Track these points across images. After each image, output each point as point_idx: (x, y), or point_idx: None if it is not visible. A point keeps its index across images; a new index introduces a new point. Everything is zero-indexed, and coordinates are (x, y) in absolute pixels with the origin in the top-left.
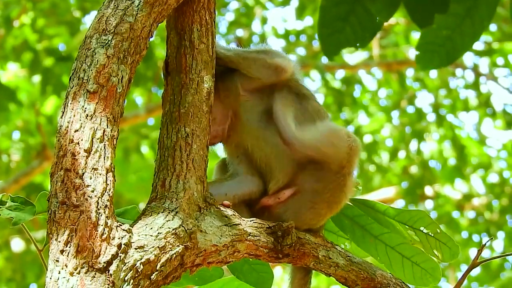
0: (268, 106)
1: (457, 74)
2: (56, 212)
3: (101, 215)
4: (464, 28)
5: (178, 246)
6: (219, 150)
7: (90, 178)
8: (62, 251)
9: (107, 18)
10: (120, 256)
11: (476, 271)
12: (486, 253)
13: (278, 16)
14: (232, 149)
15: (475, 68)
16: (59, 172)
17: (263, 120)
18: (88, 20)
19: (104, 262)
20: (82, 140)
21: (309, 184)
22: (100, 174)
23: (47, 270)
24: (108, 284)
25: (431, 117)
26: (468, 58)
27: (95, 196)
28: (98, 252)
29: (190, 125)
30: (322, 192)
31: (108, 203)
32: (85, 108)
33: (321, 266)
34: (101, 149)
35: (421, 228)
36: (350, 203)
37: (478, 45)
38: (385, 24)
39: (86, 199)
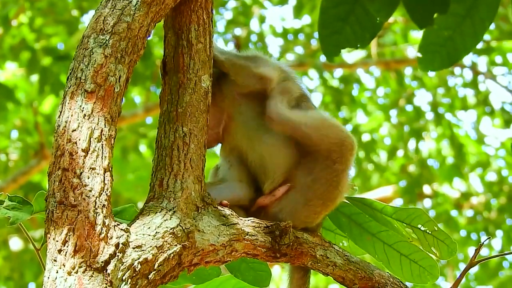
0: (263, 108)
1: (456, 73)
2: (54, 211)
3: (98, 215)
4: (464, 28)
5: (176, 245)
6: (218, 150)
7: (88, 178)
8: (60, 251)
9: (104, 17)
10: (118, 256)
11: (474, 270)
12: (484, 252)
13: (276, 14)
14: (225, 153)
15: (473, 67)
16: (57, 171)
17: (258, 122)
18: (86, 19)
19: (102, 262)
20: (79, 139)
21: (302, 179)
22: (98, 174)
23: (45, 269)
24: (106, 284)
25: (429, 115)
26: (466, 56)
27: (93, 195)
28: (96, 251)
29: (188, 124)
30: (315, 187)
31: (106, 203)
32: (83, 107)
33: (318, 266)
34: (98, 148)
35: (419, 226)
36: (347, 201)
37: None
38: None
39: (84, 199)
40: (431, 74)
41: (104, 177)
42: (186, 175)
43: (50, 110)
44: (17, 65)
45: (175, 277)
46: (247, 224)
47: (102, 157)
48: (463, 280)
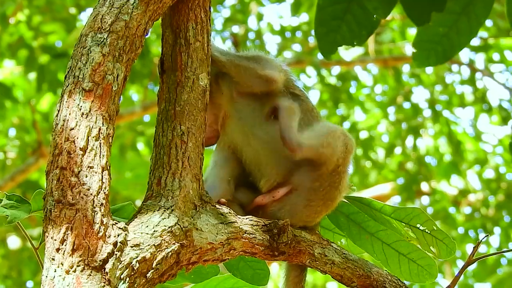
0: (261, 106)
1: (453, 70)
2: (52, 210)
3: (96, 213)
4: (460, 25)
5: (174, 244)
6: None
7: (86, 177)
8: (58, 250)
9: (102, 16)
10: (116, 254)
11: (472, 267)
12: (482, 249)
13: (274, 12)
14: (217, 151)
15: (471, 64)
16: (55, 170)
17: (255, 119)
18: (84, 17)
19: (100, 260)
20: (77, 138)
21: (304, 182)
22: (96, 173)
23: (43, 268)
24: (104, 282)
25: (427, 113)
26: (464, 53)
27: (91, 194)
28: (94, 250)
29: (186, 123)
30: (318, 190)
31: (103, 201)
32: (81, 106)
33: (317, 264)
34: (96, 147)
35: (418, 225)
36: (346, 201)
37: (474, 41)
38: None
39: (82, 198)
40: (429, 71)
41: (102, 176)
42: (184, 173)
43: (48, 108)
44: (15, 63)
45: (174, 275)
46: (245, 222)
47: (100, 155)
48: (461, 277)
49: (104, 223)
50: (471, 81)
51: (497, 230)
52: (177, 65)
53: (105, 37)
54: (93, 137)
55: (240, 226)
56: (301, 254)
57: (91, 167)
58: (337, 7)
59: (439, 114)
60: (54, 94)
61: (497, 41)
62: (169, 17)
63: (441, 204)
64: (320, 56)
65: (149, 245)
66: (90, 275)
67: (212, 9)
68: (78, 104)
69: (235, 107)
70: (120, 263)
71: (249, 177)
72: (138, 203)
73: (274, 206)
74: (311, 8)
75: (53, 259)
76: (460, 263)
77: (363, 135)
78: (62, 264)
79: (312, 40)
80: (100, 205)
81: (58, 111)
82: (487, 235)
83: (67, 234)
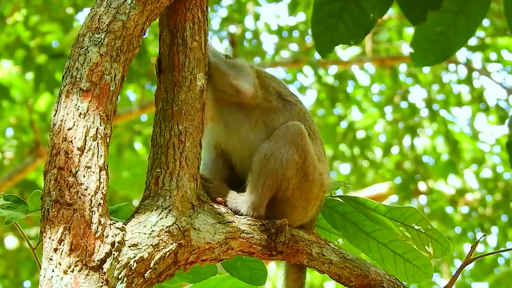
0: (247, 113)
1: (450, 69)
2: (50, 210)
3: (94, 213)
4: (457, 24)
5: (172, 243)
6: None
7: (84, 177)
8: (55, 250)
9: (99, 16)
10: (113, 254)
11: (470, 266)
12: (480, 248)
13: (271, 12)
14: (206, 150)
15: (468, 63)
16: (53, 170)
17: (243, 127)
18: (81, 17)
19: (98, 260)
20: (75, 138)
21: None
22: (94, 172)
23: (40, 268)
24: (102, 282)
25: (424, 112)
26: (461, 53)
27: (89, 194)
28: (91, 250)
29: (183, 123)
30: (294, 194)
31: (101, 201)
32: (78, 106)
33: (314, 263)
34: (94, 147)
35: (413, 225)
36: (341, 200)
37: (471, 40)
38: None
39: (80, 198)
40: (426, 70)
41: (99, 176)
42: (181, 173)
43: (45, 108)
44: (12, 63)
45: (171, 275)
46: (243, 222)
47: (97, 155)
48: (459, 277)
49: (102, 223)
50: (468, 80)
51: (494, 229)
52: (175, 65)
53: (102, 37)
54: (91, 137)
55: (238, 226)
56: (299, 253)
57: (89, 167)
58: (334, 5)
59: (436, 113)
60: (51, 94)
61: (494, 40)
62: (166, 17)
63: (438, 203)
64: (317, 55)
65: (146, 245)
66: (88, 275)
67: (209, 9)
68: (76, 104)
69: (219, 112)
70: (118, 263)
71: (239, 177)
72: (135, 202)
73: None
74: (308, 7)
75: (50, 259)
76: (458, 263)
77: (360, 134)
78: (60, 264)
79: (309, 40)
80: (98, 205)
81: (56, 111)
82: (485, 235)
83: (65, 234)
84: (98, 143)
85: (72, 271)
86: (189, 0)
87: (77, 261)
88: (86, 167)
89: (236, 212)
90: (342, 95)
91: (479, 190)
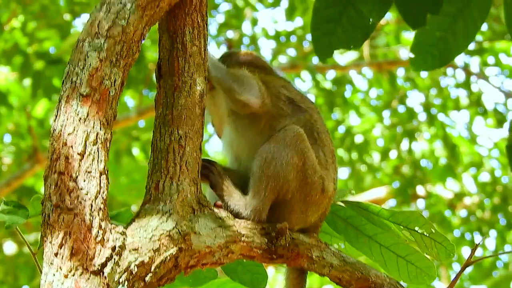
0: (256, 121)
1: (448, 73)
2: (50, 215)
3: (95, 218)
4: (457, 28)
5: (172, 248)
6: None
7: (84, 181)
8: (56, 254)
9: (99, 21)
10: (114, 259)
11: (468, 270)
12: (478, 252)
13: (268, 17)
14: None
15: (466, 67)
16: (53, 175)
17: (251, 133)
18: (79, 23)
19: (99, 265)
20: (75, 143)
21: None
22: (94, 177)
23: (41, 272)
24: (103, 286)
25: (422, 116)
26: (459, 57)
27: (89, 199)
28: (92, 254)
29: (183, 127)
30: (293, 196)
31: (102, 206)
32: (78, 111)
33: (315, 267)
34: (94, 152)
35: (416, 229)
36: (343, 205)
37: (469, 45)
38: None
39: (80, 202)
40: (424, 75)
41: (100, 180)
42: (182, 177)
43: (43, 114)
44: (9, 69)
45: (172, 279)
46: (243, 226)
47: (98, 160)
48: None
49: (102, 227)
50: (466, 84)
51: (492, 233)
52: (174, 70)
53: (102, 42)
54: (91, 142)
55: (238, 230)
56: (299, 257)
57: (89, 172)
58: (332, 10)
59: (434, 117)
60: (49, 100)
61: (492, 44)
62: (165, 22)
63: (436, 207)
64: (315, 60)
65: (147, 249)
66: (88, 279)
67: (207, 14)
68: (76, 109)
69: (231, 115)
70: (119, 267)
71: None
72: (134, 208)
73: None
74: (306, 12)
75: (51, 264)
76: (456, 266)
77: (358, 139)
78: (61, 268)
79: (307, 45)
80: (98, 210)
81: (56, 116)
82: (485, 237)
83: (66, 238)
84: (98, 148)
85: (73, 275)
86: (189, 5)
87: (78, 265)
88: (86, 172)
89: (237, 215)
90: (340, 100)
91: (477, 193)
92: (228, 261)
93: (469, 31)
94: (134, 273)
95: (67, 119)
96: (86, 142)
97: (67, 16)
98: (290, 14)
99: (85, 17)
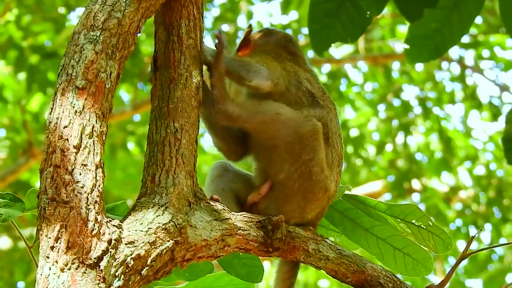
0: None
1: (443, 67)
2: (46, 208)
3: (91, 211)
4: (452, 21)
5: (169, 241)
6: (207, 145)
7: (80, 174)
8: (52, 247)
9: (95, 14)
10: (110, 252)
11: (463, 263)
12: (473, 245)
13: (264, 10)
14: None
15: (460, 61)
16: (49, 168)
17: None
18: (74, 16)
19: (95, 258)
20: (71, 136)
21: (276, 176)
22: (90, 170)
23: (37, 266)
24: (99, 280)
25: (417, 110)
26: (453, 50)
27: (85, 192)
28: (88, 248)
29: (179, 120)
30: (289, 184)
31: (98, 199)
32: (74, 104)
33: (311, 260)
34: (90, 145)
35: (413, 221)
36: (340, 198)
37: (464, 38)
38: None
39: (76, 195)
40: (419, 68)
41: (96, 173)
42: (178, 170)
43: (38, 108)
44: (4, 63)
45: (168, 272)
46: (239, 219)
47: (93, 153)
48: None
49: (98, 220)
50: (461, 78)
51: (488, 226)
52: (170, 62)
53: (97, 34)
54: (87, 135)
55: (234, 223)
56: (296, 250)
57: (85, 165)
58: (330, 4)
59: (430, 111)
60: (44, 94)
61: (487, 38)
62: (161, 14)
63: (432, 201)
64: (310, 54)
65: (143, 242)
66: (85, 272)
67: (203, 7)
68: (71, 102)
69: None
70: (115, 261)
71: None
72: (129, 202)
73: (263, 203)
74: (301, 6)
75: (47, 257)
76: (451, 260)
77: (354, 133)
78: (57, 262)
79: (302, 38)
80: (94, 203)
81: (51, 109)
82: (480, 230)
83: (61, 232)
84: (94, 141)
85: (69, 269)
86: None
87: (74, 258)
88: (82, 165)
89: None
90: (335, 94)
91: (472, 187)
92: (224, 254)
93: (464, 23)
94: (130, 266)
95: (63, 112)
96: (82, 135)
97: (62, 10)
98: (285, 7)
99: (80, 11)
